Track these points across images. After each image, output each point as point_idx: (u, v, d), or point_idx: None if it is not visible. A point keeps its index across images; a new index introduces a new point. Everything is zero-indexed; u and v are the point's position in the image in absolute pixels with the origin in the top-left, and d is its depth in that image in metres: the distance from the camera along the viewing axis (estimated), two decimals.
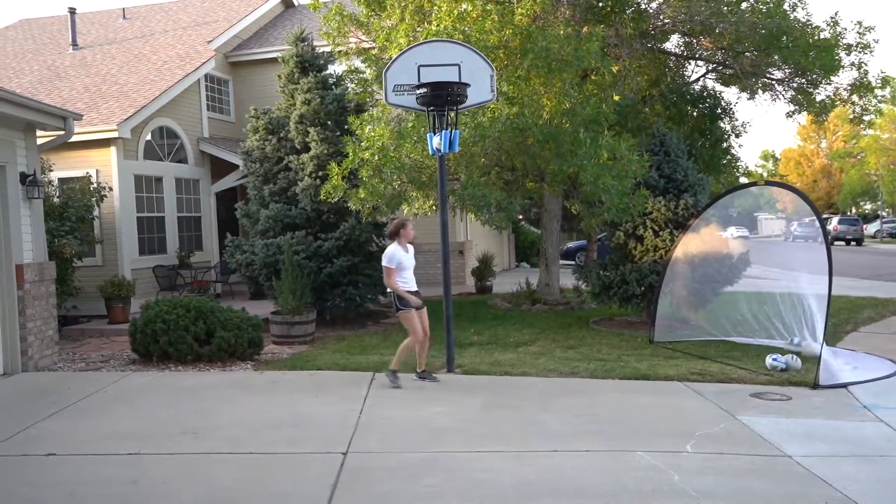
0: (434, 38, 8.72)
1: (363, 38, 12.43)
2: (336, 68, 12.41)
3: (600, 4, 12.68)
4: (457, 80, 7.57)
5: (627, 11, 12.50)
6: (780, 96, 14.82)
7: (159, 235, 13.68)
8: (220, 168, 15.26)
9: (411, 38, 9.82)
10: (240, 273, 11.55)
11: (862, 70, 14.05)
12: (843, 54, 13.71)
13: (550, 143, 9.62)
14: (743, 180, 16.18)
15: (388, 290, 7.10)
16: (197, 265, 13.90)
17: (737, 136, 16.76)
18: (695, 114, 15.95)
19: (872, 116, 17.15)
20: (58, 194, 11.25)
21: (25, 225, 8.21)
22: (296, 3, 20.35)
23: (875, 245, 40.25)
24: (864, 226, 44.37)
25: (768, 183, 11.12)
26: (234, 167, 14.68)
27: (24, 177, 8.18)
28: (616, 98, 10.82)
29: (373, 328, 10.87)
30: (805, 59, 13.04)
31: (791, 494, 4.38)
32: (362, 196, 9.70)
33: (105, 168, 12.53)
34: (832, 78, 14.09)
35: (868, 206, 59.07)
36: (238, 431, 5.66)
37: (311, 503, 4.29)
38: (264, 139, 11.41)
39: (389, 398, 6.70)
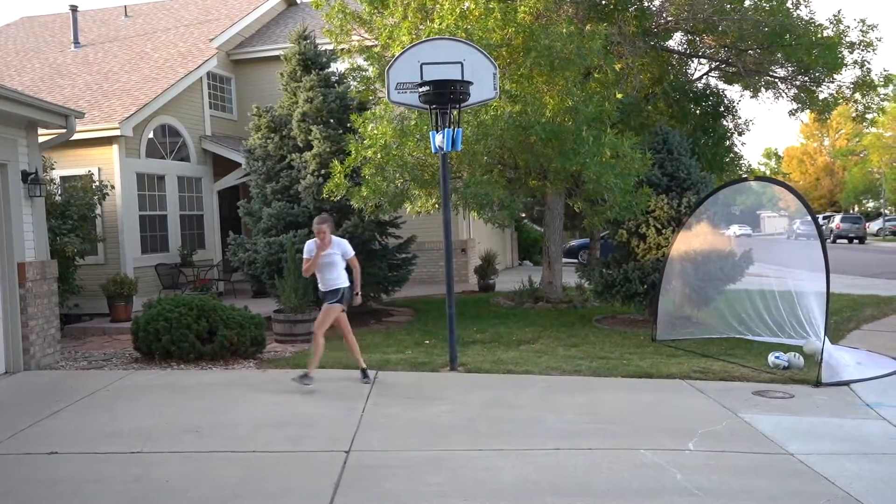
0: (437, 36, 8.71)
1: (366, 35, 12.42)
2: (338, 66, 12.41)
3: (603, 2, 12.66)
4: (459, 78, 7.56)
5: (630, 9, 12.48)
6: (783, 94, 14.80)
7: (161, 234, 13.68)
8: (222, 166, 15.27)
9: (414, 36, 9.82)
10: (242, 271, 11.55)
11: (865, 68, 14.03)
12: (846, 52, 13.68)
13: (553, 141, 9.60)
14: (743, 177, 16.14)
15: (336, 285, 6.95)
16: (199, 263, 13.91)
17: (739, 134, 16.76)
18: (698, 112, 15.93)
19: (875, 114, 17.14)
20: (60, 192, 11.26)
21: (27, 223, 8.21)
22: (298, 1, 20.34)
23: (878, 243, 40.20)
24: (867, 224, 44.30)
25: (758, 178, 11.07)
26: (237, 165, 14.68)
27: (25, 175, 8.18)
28: (619, 96, 10.82)
29: (375, 326, 10.87)
30: (808, 56, 13.01)
31: (793, 492, 4.37)
32: (365, 194, 9.70)
33: (107, 166, 12.54)
34: (835, 76, 14.08)
35: (871, 204, 58.96)
36: (241, 430, 5.67)
37: (314, 501, 4.29)
38: (267, 137, 11.41)
39: (392, 397, 6.70)
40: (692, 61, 15.56)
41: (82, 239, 10.68)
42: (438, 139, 7.57)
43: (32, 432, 5.67)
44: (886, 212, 53.63)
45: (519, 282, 13.98)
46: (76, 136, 9.72)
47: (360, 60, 12.23)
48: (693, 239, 9.52)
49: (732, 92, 16.48)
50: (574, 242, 23.92)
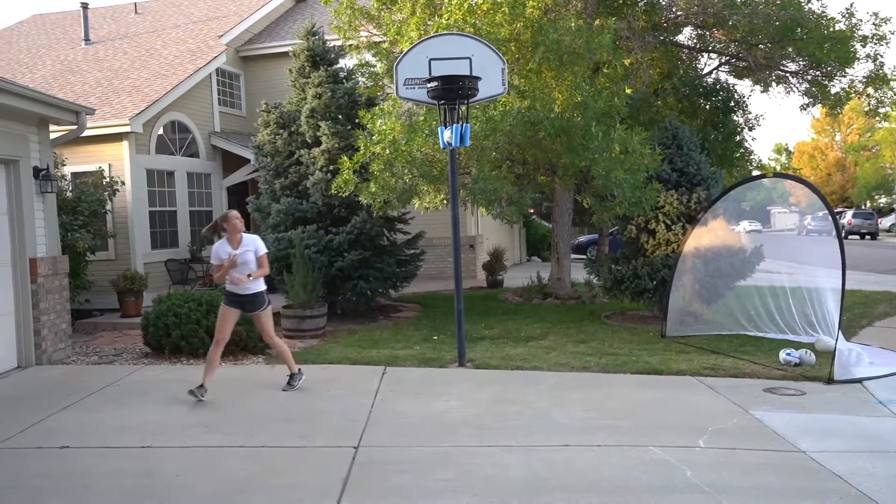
0: (445, 32, 8.68)
1: (374, 31, 12.40)
2: (347, 62, 12.40)
3: None
4: (468, 73, 7.55)
5: (640, 4, 12.42)
6: (794, 89, 14.68)
7: (171, 229, 13.75)
8: (231, 162, 15.31)
9: (422, 32, 9.79)
10: None
11: (877, 62, 13.90)
12: (858, 46, 13.56)
13: (562, 136, 9.57)
14: (756, 174, 16.05)
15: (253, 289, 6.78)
16: (208, 259, 13.93)
17: (750, 129, 16.64)
18: (707, 107, 15.83)
19: (888, 109, 16.96)
20: (70, 188, 11.31)
21: (39, 219, 8.26)
22: None
23: (890, 239, 39.86)
24: (879, 219, 43.96)
25: (777, 175, 10.95)
26: (246, 161, 14.72)
27: (37, 171, 8.23)
28: (628, 91, 10.74)
29: (384, 322, 10.88)
30: (820, 51, 12.90)
31: (805, 490, 4.34)
32: (373, 190, 9.70)
33: (117, 162, 12.60)
34: (847, 70, 13.95)
35: (883, 200, 58.41)
36: (250, 425, 5.69)
37: (323, 496, 4.30)
38: (275, 133, 11.42)
39: (401, 392, 6.70)
40: (702, 56, 15.46)
41: (93, 235, 10.74)
42: (447, 135, 7.55)
43: (44, 426, 5.71)
44: None
45: (527, 278, 13.96)
46: (87, 133, 9.76)
47: (368, 56, 12.21)
48: (704, 235, 9.47)
49: (743, 87, 16.51)
50: (583, 238, 23.84)
